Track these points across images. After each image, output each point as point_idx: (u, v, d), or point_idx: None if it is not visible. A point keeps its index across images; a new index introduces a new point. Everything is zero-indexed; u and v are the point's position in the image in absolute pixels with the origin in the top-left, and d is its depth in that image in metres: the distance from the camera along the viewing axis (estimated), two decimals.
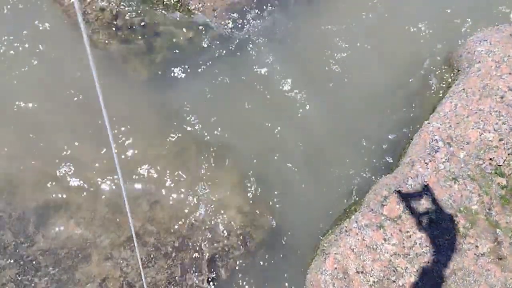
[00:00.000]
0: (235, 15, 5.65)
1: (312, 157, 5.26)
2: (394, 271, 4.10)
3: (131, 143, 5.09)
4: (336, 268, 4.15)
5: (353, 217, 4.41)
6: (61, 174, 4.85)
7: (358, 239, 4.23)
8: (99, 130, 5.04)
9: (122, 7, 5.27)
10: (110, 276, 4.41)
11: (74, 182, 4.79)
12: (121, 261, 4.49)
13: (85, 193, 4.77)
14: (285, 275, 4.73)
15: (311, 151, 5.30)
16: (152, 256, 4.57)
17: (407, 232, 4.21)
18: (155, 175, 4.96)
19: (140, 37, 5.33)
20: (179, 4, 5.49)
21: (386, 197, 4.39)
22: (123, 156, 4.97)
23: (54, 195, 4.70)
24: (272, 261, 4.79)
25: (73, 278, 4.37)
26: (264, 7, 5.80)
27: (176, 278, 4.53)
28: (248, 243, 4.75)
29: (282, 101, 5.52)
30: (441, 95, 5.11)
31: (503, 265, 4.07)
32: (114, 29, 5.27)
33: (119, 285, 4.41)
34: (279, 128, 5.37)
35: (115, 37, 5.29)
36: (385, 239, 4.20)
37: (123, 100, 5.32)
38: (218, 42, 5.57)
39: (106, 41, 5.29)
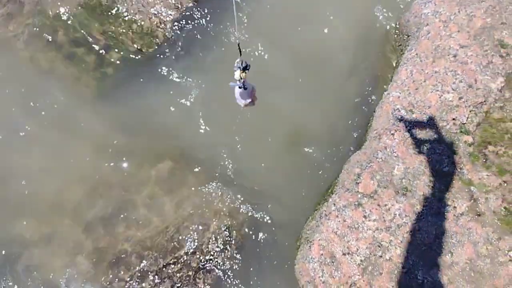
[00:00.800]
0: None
1: (281, 146, 5.18)
2: (379, 246, 4.09)
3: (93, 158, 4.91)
4: (322, 254, 4.12)
5: (330, 200, 4.37)
6: None
7: (339, 221, 4.19)
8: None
9: (62, 22, 5.05)
10: None
11: None
12: None
13: None
14: (274, 269, 4.66)
15: (278, 139, 5.22)
16: (137, 276, 4.43)
17: (385, 205, 4.20)
18: (123, 193, 4.79)
19: (87, 52, 5.11)
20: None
21: (359, 175, 4.36)
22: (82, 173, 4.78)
23: None
24: (259, 258, 4.72)
25: None
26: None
27: None
28: (232, 244, 4.65)
29: None
30: (395, 64, 5.09)
31: (482, 221, 4.11)
32: (54, 46, 5.04)
33: None
34: (244, 122, 5.25)
35: (59, 55, 5.06)
36: (365, 217, 4.18)
37: (79, 117, 5.12)
38: (167, 50, 5.40)
39: (51, 60, 5.06)
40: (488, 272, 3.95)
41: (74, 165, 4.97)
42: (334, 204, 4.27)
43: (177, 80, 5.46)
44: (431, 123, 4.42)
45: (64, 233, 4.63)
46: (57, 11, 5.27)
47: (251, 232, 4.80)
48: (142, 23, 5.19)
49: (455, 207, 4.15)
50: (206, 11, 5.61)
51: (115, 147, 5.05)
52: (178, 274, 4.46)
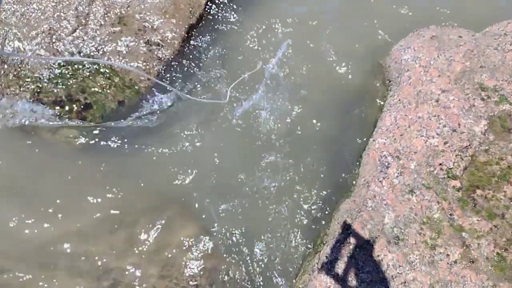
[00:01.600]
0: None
1: (269, 192, 5.12)
2: None
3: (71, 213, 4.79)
4: None
5: (322, 251, 4.29)
6: None
7: (332, 274, 4.10)
8: None
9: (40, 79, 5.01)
10: None
11: None
12: None
13: None
14: None
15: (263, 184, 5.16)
16: None
17: (378, 256, 4.13)
18: (103, 248, 4.66)
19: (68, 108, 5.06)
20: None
21: (350, 225, 4.30)
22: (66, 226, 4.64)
23: None
24: None
25: None
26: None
27: None
28: None
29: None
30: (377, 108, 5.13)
31: (476, 268, 4.06)
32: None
33: None
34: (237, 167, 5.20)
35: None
36: (358, 269, 4.09)
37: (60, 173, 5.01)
38: (150, 101, 5.38)
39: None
40: None
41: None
42: (326, 257, 4.18)
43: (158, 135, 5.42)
44: (418, 169, 4.41)
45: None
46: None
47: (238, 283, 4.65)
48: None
49: (448, 254, 4.10)
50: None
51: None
52: None
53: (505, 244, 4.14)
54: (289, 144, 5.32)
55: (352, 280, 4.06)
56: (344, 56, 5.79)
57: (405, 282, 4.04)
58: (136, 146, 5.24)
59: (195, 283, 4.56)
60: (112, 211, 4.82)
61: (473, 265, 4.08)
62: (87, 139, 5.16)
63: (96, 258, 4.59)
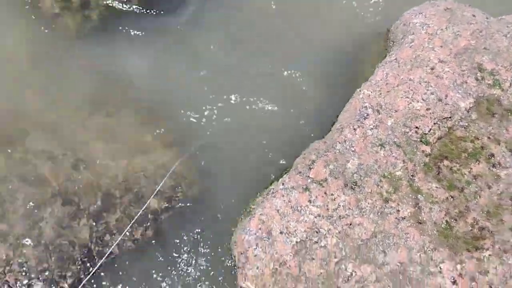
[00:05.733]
0: None
1: (251, 121, 5.18)
2: (317, 232, 4.12)
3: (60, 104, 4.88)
4: (260, 229, 4.13)
5: (280, 179, 4.39)
6: None
7: (284, 200, 4.22)
8: None
9: None
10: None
11: None
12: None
13: None
14: (213, 237, 4.66)
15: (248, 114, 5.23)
16: (75, 214, 4.41)
17: (332, 195, 4.23)
18: (83, 138, 4.77)
19: None
20: None
21: (314, 161, 4.39)
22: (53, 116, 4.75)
23: None
24: (200, 224, 4.72)
25: None
26: None
27: (101, 238, 4.39)
28: (176, 204, 4.65)
29: (219, 61, 5.41)
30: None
31: (422, 229, 4.15)
32: None
33: None
34: (216, 90, 5.26)
35: None
36: (310, 201, 4.21)
37: (53, 61, 5.08)
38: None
39: None
40: (416, 279, 4.00)
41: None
42: (283, 184, 4.29)
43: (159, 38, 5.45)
44: (394, 126, 4.47)
45: None
46: None
47: (198, 198, 4.78)
48: None
49: (398, 210, 4.20)
50: None
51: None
52: (116, 222, 4.44)
53: (456, 215, 4.22)
54: None
55: (301, 209, 4.17)
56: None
57: (350, 224, 4.15)
58: None
59: None
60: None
61: (420, 225, 4.17)
62: None
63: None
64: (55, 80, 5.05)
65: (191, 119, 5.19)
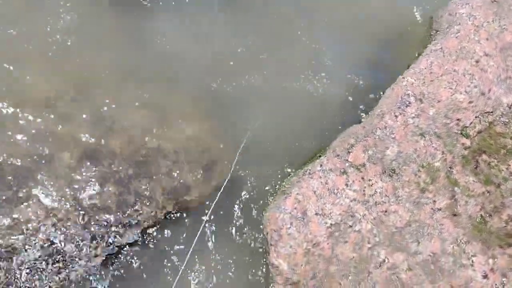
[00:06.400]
0: None
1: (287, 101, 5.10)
2: (351, 216, 4.09)
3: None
4: (295, 208, 4.10)
5: (317, 160, 4.34)
6: None
7: (321, 182, 4.18)
8: None
9: None
10: None
11: None
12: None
13: None
14: (244, 214, 4.62)
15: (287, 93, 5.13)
16: (104, 179, 4.35)
17: (369, 180, 4.20)
18: (113, 98, 4.68)
19: None
20: None
21: (353, 145, 4.35)
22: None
23: None
24: (231, 201, 4.67)
25: None
26: None
27: (128, 206, 4.34)
28: (208, 180, 4.60)
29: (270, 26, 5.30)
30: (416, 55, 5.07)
31: (456, 221, 4.14)
32: None
33: None
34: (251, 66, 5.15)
35: None
36: (347, 185, 4.17)
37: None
38: None
39: None
40: (448, 271, 4.00)
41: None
42: (321, 165, 4.25)
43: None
44: (435, 117, 4.42)
45: None
46: None
47: (231, 175, 4.72)
48: None
49: (434, 201, 4.17)
50: None
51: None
52: (145, 191, 4.38)
53: (491, 210, 4.20)
54: None
55: (337, 192, 4.13)
56: None
57: (386, 211, 4.13)
58: None
59: None
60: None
61: (455, 218, 4.16)
62: None
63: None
64: (93, 46, 4.93)
65: (228, 89, 5.08)
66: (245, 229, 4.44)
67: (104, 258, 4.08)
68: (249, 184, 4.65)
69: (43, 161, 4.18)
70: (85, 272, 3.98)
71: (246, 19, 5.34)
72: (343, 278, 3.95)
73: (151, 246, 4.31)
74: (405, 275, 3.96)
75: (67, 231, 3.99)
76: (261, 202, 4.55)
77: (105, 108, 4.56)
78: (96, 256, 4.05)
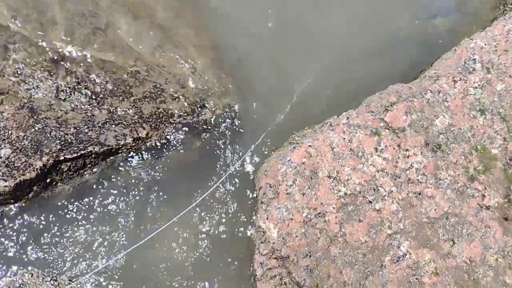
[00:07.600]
0: None
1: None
2: (374, 189, 3.07)
3: None
4: (304, 163, 3.07)
5: (344, 113, 3.32)
6: None
7: (344, 138, 3.16)
8: None
9: None
10: None
11: None
12: None
13: None
14: (241, 155, 3.62)
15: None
16: (103, 93, 3.39)
17: (407, 150, 3.17)
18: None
19: None
20: None
21: (394, 103, 3.32)
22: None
23: None
24: (230, 139, 3.68)
25: None
26: None
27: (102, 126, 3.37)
28: (209, 111, 3.64)
29: None
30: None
31: (507, 227, 3.10)
32: None
33: None
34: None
35: None
36: (376, 149, 3.15)
37: None
38: None
39: None
40: (485, 286, 2.94)
41: None
42: (347, 118, 3.22)
43: None
44: (503, 94, 3.38)
45: None
46: None
47: (231, 112, 3.73)
48: None
49: (484, 195, 3.14)
50: None
51: None
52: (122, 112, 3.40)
53: None
54: None
55: (363, 155, 3.11)
56: None
57: (419, 193, 3.10)
58: None
59: None
60: None
61: (506, 223, 3.12)
62: None
63: None
64: None
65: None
66: None
67: None
68: None
69: None
70: None
71: None
72: (346, 266, 2.92)
73: None
74: (428, 280, 2.92)
75: None
76: None
77: None
78: None
